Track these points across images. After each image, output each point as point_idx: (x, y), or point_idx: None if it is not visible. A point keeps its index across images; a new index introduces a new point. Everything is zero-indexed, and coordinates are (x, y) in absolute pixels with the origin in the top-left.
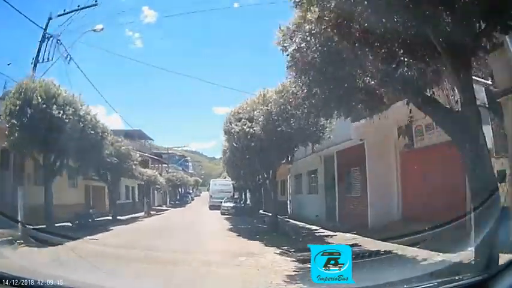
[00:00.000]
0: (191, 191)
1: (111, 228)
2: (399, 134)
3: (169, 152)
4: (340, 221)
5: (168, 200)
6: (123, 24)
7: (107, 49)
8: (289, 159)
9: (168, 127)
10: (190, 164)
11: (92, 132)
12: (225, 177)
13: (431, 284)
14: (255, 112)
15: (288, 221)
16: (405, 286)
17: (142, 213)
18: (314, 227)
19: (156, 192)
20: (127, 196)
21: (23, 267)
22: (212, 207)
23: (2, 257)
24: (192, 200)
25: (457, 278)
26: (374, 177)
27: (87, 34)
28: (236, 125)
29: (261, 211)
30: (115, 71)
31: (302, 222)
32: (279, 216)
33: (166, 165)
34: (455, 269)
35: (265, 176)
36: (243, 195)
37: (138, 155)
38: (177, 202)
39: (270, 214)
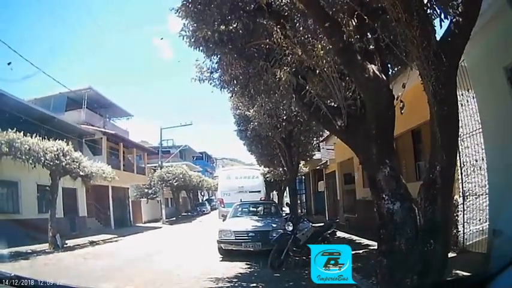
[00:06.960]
0: (214, 198)
1: None
2: None
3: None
4: None
5: (163, 212)
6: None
7: None
8: None
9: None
10: (220, 166)
11: None
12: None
13: (431, 284)
14: None
15: None
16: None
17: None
18: None
19: (147, 200)
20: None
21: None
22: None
23: None
24: (214, 209)
25: (456, 278)
26: None
27: None
28: None
29: None
30: None
31: None
32: None
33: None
34: None
35: None
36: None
37: None
38: (180, 216)
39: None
